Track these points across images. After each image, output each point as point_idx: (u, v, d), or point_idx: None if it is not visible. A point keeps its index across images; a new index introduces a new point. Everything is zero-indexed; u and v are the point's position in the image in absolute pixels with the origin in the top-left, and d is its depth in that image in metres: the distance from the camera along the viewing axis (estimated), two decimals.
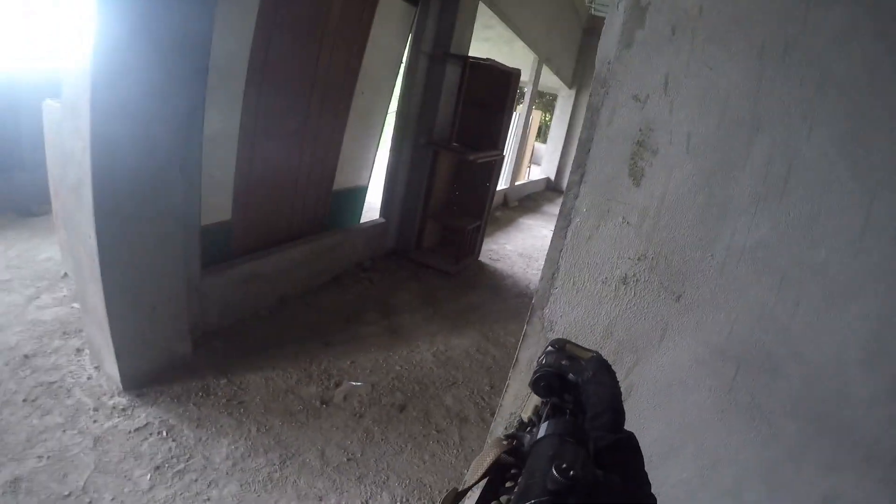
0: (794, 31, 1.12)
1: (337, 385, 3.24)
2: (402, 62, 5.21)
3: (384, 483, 2.55)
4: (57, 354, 2.91)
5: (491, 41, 8.25)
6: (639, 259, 1.37)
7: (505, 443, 0.61)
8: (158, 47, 2.36)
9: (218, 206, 3.48)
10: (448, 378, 3.61)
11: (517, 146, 10.84)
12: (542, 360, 0.67)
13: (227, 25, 2.95)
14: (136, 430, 2.52)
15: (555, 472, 0.44)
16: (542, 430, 0.57)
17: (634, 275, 1.38)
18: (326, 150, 4.46)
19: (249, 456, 2.52)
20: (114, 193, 2.36)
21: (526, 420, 0.67)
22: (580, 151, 1.39)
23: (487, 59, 5.45)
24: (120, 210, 2.43)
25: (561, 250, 1.47)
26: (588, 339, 1.49)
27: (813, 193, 1.17)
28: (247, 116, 3.42)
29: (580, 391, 0.62)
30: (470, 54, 5.63)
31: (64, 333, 3.11)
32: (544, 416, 0.63)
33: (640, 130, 1.30)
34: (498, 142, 6.06)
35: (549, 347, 0.69)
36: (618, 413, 0.59)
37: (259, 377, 3.12)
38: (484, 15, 6.08)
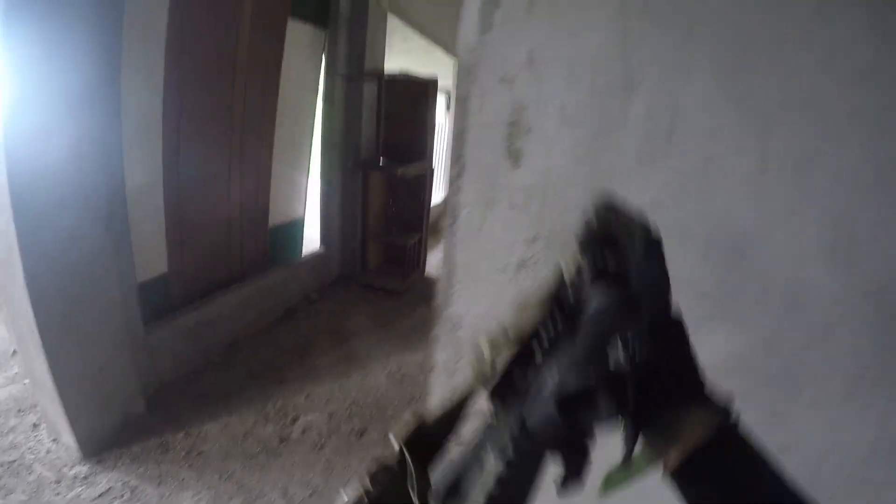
0: None
1: (294, 421, 3.16)
2: (319, 86, 5.18)
3: None
4: (14, 433, 2.82)
5: (410, 52, 8.25)
6: (533, 240, 1.34)
7: (550, 303, 0.57)
8: (70, 108, 2.34)
9: (153, 260, 3.36)
10: (405, 395, 3.57)
11: (450, 153, 10.89)
12: (593, 221, 0.60)
13: (136, 75, 2.88)
14: (100, 496, 2.46)
15: (620, 355, 0.46)
16: (596, 301, 0.53)
17: (532, 257, 1.35)
18: (257, 186, 4.38)
19: None
20: (44, 261, 2.33)
21: (568, 281, 0.60)
22: (456, 144, 1.36)
23: (401, 74, 5.45)
24: (52, 278, 2.39)
25: (454, 247, 1.44)
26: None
27: (701, 141, 1.14)
28: (169, 164, 3.32)
29: (628, 262, 0.56)
30: (387, 68, 5.63)
31: (19, 411, 3.00)
32: (590, 278, 0.57)
33: (512, 111, 1.28)
34: (425, 152, 6.05)
35: (599, 208, 0.61)
36: (668, 296, 0.55)
37: (216, 425, 3.04)
38: (401, 28, 6.09)
